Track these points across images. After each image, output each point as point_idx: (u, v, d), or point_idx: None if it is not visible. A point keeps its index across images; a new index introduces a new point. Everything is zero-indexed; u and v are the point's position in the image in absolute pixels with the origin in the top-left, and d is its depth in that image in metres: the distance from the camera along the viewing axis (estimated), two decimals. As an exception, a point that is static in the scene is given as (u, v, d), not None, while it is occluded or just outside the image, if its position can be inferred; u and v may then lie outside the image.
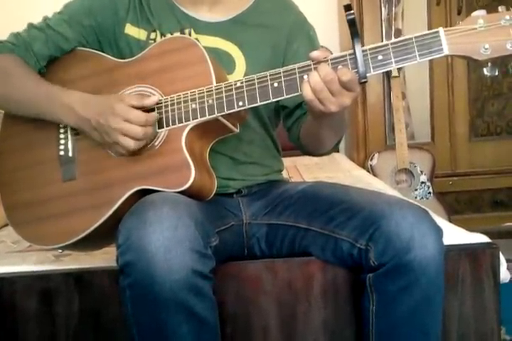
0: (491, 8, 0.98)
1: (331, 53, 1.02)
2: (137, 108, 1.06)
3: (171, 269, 0.89)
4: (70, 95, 1.11)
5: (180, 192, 1.03)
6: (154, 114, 1.07)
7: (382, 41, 2.78)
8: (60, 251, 1.24)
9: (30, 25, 1.22)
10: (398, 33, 2.65)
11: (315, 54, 0.99)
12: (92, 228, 1.08)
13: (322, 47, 1.24)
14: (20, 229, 1.16)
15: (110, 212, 1.07)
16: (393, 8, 2.69)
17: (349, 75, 0.95)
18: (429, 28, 2.77)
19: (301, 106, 1.18)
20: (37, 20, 1.23)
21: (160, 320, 0.92)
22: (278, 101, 1.05)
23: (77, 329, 1.16)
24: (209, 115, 1.06)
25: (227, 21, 1.21)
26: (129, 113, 1.05)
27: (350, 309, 1.14)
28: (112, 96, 1.09)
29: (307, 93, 0.97)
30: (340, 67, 0.98)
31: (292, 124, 1.23)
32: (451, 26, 0.98)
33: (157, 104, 1.09)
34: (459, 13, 2.65)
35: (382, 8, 2.70)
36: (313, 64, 0.99)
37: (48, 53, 1.19)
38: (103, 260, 1.20)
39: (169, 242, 0.90)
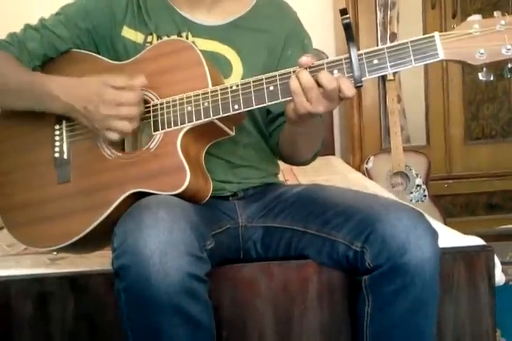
0: (486, 12, 0.98)
1: (327, 57, 1.02)
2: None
3: (166, 272, 0.89)
4: (52, 83, 1.10)
5: (176, 195, 1.03)
6: (140, 92, 1.05)
7: (377, 45, 2.80)
8: (55, 253, 1.24)
9: (27, 26, 1.22)
10: (393, 36, 2.66)
11: (304, 60, 0.99)
12: (86, 230, 1.08)
13: (315, 49, 1.25)
14: (15, 231, 1.16)
15: (105, 215, 1.07)
16: (388, 12, 2.70)
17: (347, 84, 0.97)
18: (424, 32, 2.79)
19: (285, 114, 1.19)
20: (34, 21, 1.23)
21: (155, 323, 0.92)
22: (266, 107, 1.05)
23: (72, 333, 1.16)
24: (204, 118, 1.06)
25: (225, 25, 1.21)
26: (120, 96, 1.03)
27: (345, 311, 1.14)
28: (94, 81, 1.07)
29: (294, 83, 0.98)
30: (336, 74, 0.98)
31: (273, 130, 1.24)
32: (446, 30, 0.98)
33: (153, 106, 1.09)
34: (453, 17, 2.67)
35: (378, 12, 2.70)
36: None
37: (43, 52, 1.19)
38: (98, 263, 1.20)
39: (164, 245, 0.90)
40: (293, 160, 1.26)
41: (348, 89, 0.97)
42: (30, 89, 1.11)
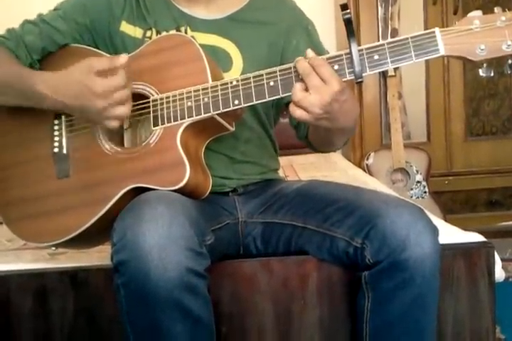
0: (487, 8, 0.98)
1: (328, 53, 1.02)
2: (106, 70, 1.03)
3: (165, 267, 0.89)
4: (38, 80, 1.08)
5: (175, 191, 1.03)
6: (122, 72, 1.03)
7: (378, 41, 2.80)
8: (54, 248, 1.24)
9: (25, 21, 1.21)
10: (394, 32, 2.65)
11: (311, 53, 0.99)
12: (86, 225, 1.08)
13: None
14: (14, 226, 1.16)
15: (104, 210, 1.07)
16: (390, 8, 2.69)
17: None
18: (426, 28, 2.78)
19: None
20: (33, 17, 1.22)
21: (154, 318, 0.92)
22: (281, 99, 1.05)
23: (72, 328, 1.16)
24: (204, 113, 1.05)
25: (224, 18, 1.21)
26: (109, 84, 1.01)
27: (345, 307, 1.14)
28: (77, 70, 1.04)
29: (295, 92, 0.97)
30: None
31: (298, 123, 1.22)
32: (447, 26, 0.98)
33: (152, 101, 1.09)
34: (455, 13, 2.66)
35: (379, 8, 2.70)
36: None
37: (41, 46, 1.18)
38: (98, 258, 1.20)
39: (164, 240, 0.90)
40: (326, 150, 1.25)
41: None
42: (19, 87, 1.10)
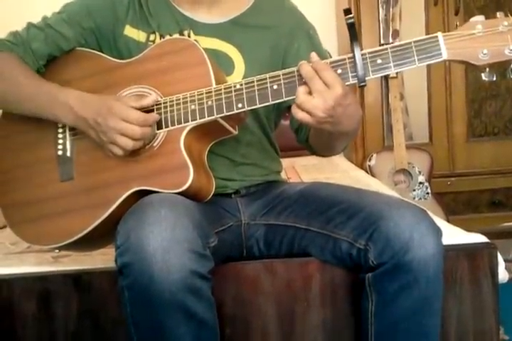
0: (488, 10, 0.99)
1: (330, 57, 1.02)
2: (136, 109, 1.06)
3: (169, 270, 0.89)
4: (68, 94, 1.11)
5: (179, 193, 1.03)
6: (154, 115, 1.07)
7: (379, 42, 2.76)
8: (57, 251, 1.24)
9: (30, 25, 1.21)
10: (396, 33, 2.65)
11: (315, 57, 0.99)
12: (89, 228, 1.08)
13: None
14: (18, 228, 1.16)
15: (108, 213, 1.07)
16: (391, 9, 2.69)
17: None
18: (427, 29, 2.75)
19: None
20: (35, 19, 1.22)
21: (158, 320, 0.92)
22: (282, 102, 1.05)
23: (76, 331, 1.16)
24: (208, 116, 1.06)
25: (226, 23, 1.21)
26: (128, 112, 1.05)
27: (348, 309, 1.14)
28: (109, 96, 1.09)
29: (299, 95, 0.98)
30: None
31: (299, 126, 1.22)
32: (448, 27, 0.99)
33: (156, 104, 1.09)
34: (456, 14, 2.66)
35: (380, 9, 2.70)
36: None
37: (47, 52, 1.19)
38: (102, 261, 1.20)
39: (168, 243, 0.90)
40: (327, 154, 1.25)
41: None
42: (44, 97, 1.12)
